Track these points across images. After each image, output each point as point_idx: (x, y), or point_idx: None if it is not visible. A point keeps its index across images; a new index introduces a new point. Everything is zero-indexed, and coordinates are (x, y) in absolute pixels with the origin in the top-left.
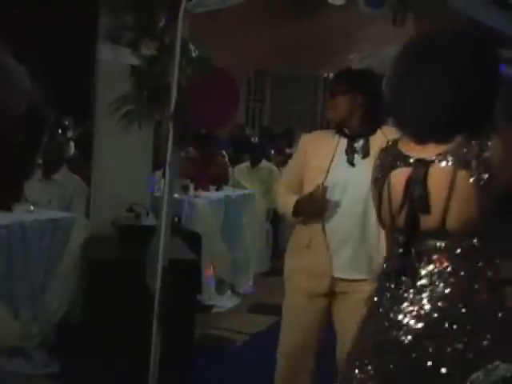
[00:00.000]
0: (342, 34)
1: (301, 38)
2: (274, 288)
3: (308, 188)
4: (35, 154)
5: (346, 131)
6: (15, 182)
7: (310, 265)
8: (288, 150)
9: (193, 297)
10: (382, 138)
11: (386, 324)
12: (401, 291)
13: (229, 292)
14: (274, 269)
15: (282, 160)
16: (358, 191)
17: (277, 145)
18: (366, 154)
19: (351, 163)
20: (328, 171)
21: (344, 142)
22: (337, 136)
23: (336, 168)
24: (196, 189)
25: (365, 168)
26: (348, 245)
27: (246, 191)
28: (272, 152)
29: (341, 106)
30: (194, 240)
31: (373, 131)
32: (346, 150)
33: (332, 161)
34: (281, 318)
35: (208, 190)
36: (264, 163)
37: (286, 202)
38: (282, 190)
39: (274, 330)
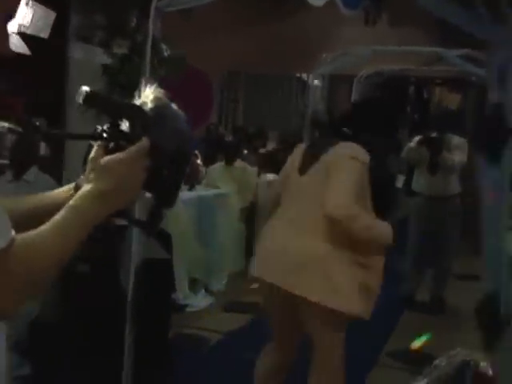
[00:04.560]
0: (316, 34)
1: (275, 38)
2: (248, 287)
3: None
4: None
5: None
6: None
7: None
8: (262, 150)
9: (166, 296)
10: None
11: None
12: None
13: (203, 291)
14: (248, 268)
15: (256, 160)
16: None
17: (251, 144)
18: None
19: None
20: None
21: None
22: None
23: None
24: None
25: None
26: None
27: (220, 191)
28: (245, 152)
29: None
30: (165, 240)
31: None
32: None
33: None
34: (255, 316)
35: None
36: (238, 162)
37: (383, 229)
38: (370, 220)
39: (249, 328)
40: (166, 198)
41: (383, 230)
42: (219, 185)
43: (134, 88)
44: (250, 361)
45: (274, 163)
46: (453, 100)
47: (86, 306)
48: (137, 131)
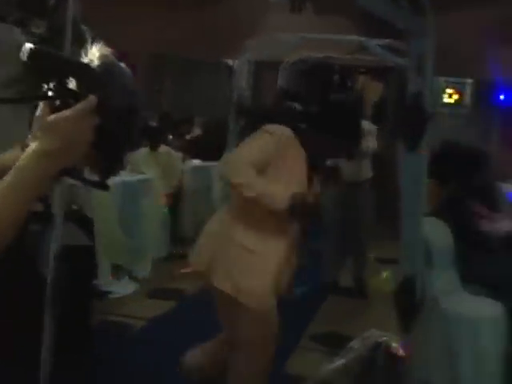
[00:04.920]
0: (242, 20)
1: (202, 24)
2: (172, 273)
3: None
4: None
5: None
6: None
7: None
8: (187, 136)
9: (87, 283)
10: None
11: None
12: None
13: (127, 278)
14: (173, 254)
15: (182, 145)
16: None
17: (177, 130)
18: None
19: None
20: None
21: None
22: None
23: None
24: (91, 173)
25: None
26: None
27: (144, 176)
28: (170, 137)
29: None
30: (87, 226)
31: None
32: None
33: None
34: (180, 302)
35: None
36: (163, 148)
37: (274, 193)
38: (257, 179)
39: (173, 314)
40: (115, 156)
41: (272, 193)
42: (143, 170)
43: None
44: (173, 346)
45: (199, 149)
46: (375, 88)
47: (6, 293)
48: (84, 89)
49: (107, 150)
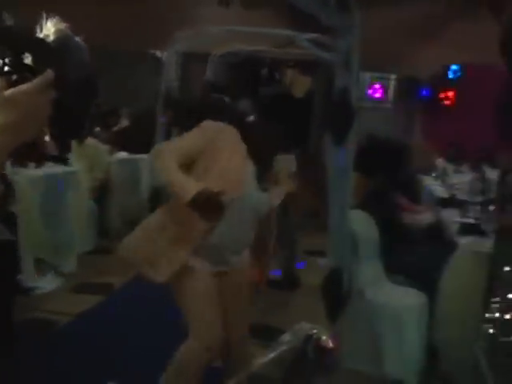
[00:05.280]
0: (171, 11)
1: (129, 14)
2: (99, 267)
3: (212, 183)
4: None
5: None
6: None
7: None
8: (115, 128)
9: (11, 278)
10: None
11: None
12: None
13: (52, 272)
14: (100, 247)
15: (109, 138)
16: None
17: (104, 122)
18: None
19: (259, 189)
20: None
21: (250, 161)
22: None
23: (247, 186)
24: (13, 166)
25: (264, 195)
26: None
27: (70, 168)
28: (97, 129)
29: None
30: (9, 220)
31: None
32: (258, 177)
33: (244, 177)
34: (107, 296)
35: (26, 167)
36: (89, 140)
37: (184, 183)
38: (175, 166)
39: (101, 309)
40: (73, 130)
41: (182, 183)
42: (70, 162)
43: None
44: (100, 341)
45: (127, 141)
46: (303, 82)
47: None
48: (40, 63)
49: (65, 123)
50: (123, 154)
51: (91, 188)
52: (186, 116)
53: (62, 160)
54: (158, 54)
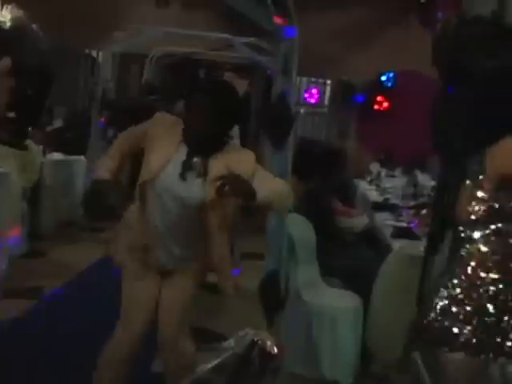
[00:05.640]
0: (107, 11)
1: (64, 13)
2: (32, 270)
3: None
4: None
5: (190, 142)
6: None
7: None
8: (49, 128)
9: None
10: (223, 162)
11: None
12: None
13: None
14: (33, 250)
15: (43, 138)
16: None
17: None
18: (200, 175)
19: (183, 178)
20: (159, 173)
21: (185, 149)
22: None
23: (166, 174)
24: None
25: (195, 185)
26: None
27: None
28: (30, 129)
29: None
30: None
31: (213, 151)
32: (184, 164)
33: (166, 165)
34: (39, 301)
35: None
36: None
37: (99, 169)
38: (111, 153)
39: (33, 314)
40: (30, 116)
41: (97, 168)
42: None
43: None
44: (33, 347)
45: (61, 142)
46: (240, 86)
47: None
48: None
49: (22, 110)
50: (57, 155)
51: (24, 189)
52: (122, 117)
53: (18, 147)
54: (94, 53)
